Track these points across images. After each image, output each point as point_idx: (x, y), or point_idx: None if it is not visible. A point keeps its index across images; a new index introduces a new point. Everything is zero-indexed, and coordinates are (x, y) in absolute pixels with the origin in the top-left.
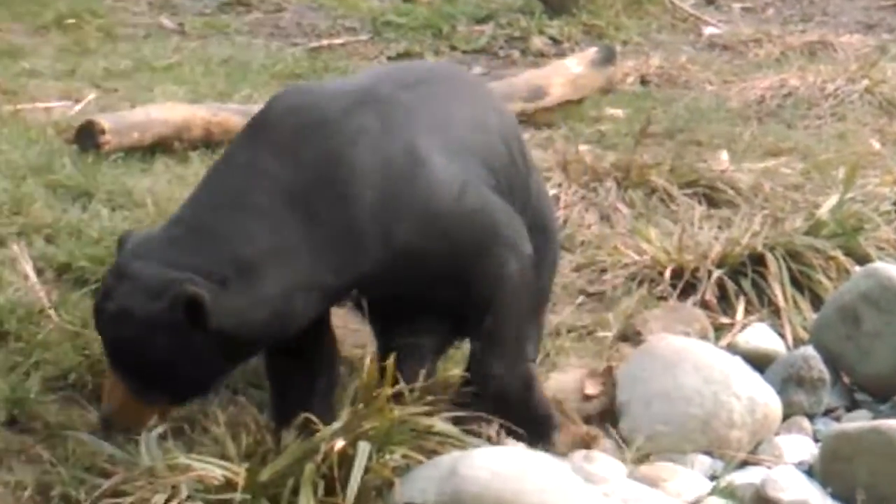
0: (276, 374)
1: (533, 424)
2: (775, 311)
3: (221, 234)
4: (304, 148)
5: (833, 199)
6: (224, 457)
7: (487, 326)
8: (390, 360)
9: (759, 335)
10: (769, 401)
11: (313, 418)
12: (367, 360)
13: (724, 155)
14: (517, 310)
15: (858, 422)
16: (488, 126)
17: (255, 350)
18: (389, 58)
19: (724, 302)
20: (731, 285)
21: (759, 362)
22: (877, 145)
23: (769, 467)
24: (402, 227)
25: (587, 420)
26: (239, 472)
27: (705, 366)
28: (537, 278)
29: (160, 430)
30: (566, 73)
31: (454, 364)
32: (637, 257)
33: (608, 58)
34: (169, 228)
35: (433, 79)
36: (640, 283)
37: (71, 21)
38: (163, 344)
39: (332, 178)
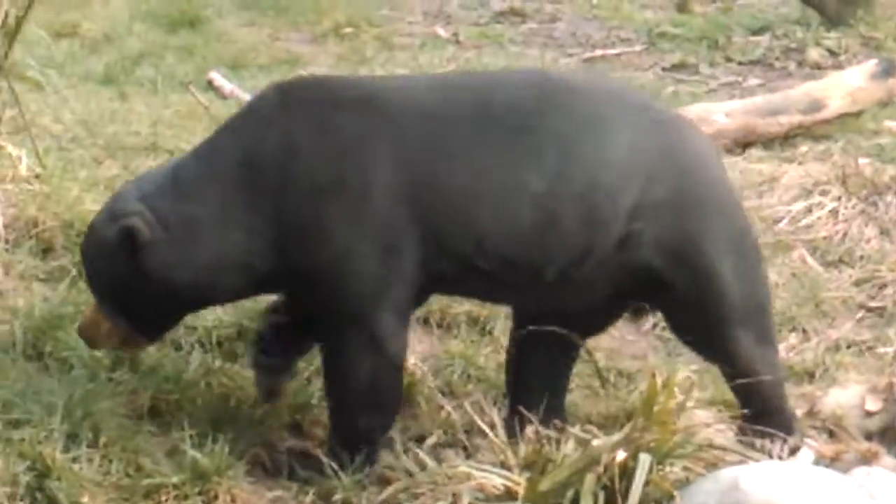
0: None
1: None
2: None
3: (187, 188)
4: (267, 135)
5: None
6: (504, 465)
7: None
8: (672, 373)
9: None
10: None
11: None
12: (649, 373)
13: None
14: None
15: None
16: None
17: (188, 305)
18: (664, 69)
19: None
20: None
21: None
22: None
23: None
24: (297, 246)
25: (868, 437)
26: (519, 482)
27: None
28: None
29: (435, 438)
30: (845, 86)
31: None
32: None
33: (888, 70)
34: (166, 169)
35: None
36: None
37: (348, 30)
38: (110, 265)
39: (274, 172)
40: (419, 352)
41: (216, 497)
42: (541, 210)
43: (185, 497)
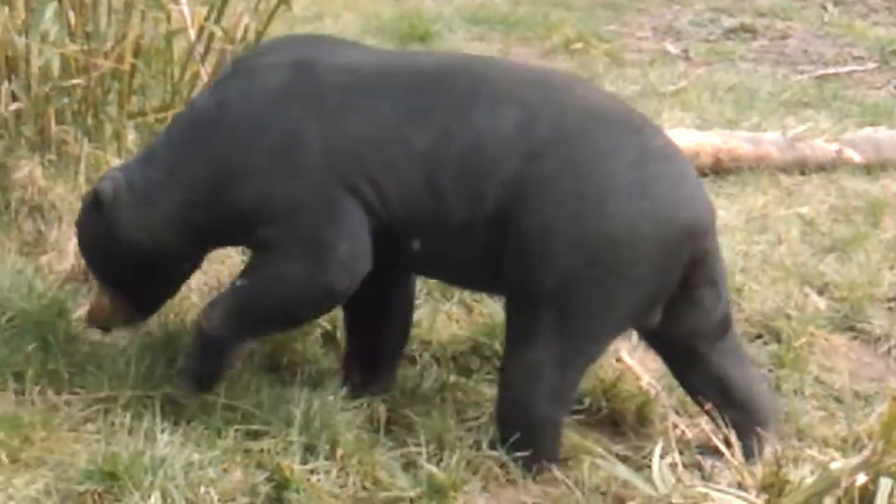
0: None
1: None
2: None
3: (152, 154)
4: (209, 96)
5: None
6: (741, 486)
7: None
8: None
9: None
10: None
11: None
12: (889, 395)
13: None
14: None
15: None
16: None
17: (158, 269)
18: None
19: None
20: None
21: None
22: None
23: None
24: (234, 191)
25: None
26: None
27: None
28: None
29: (673, 458)
30: None
31: None
32: None
33: None
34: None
35: (464, 78)
36: None
37: (577, 45)
38: (89, 230)
39: (206, 127)
40: (653, 370)
41: None
42: (423, 165)
43: None
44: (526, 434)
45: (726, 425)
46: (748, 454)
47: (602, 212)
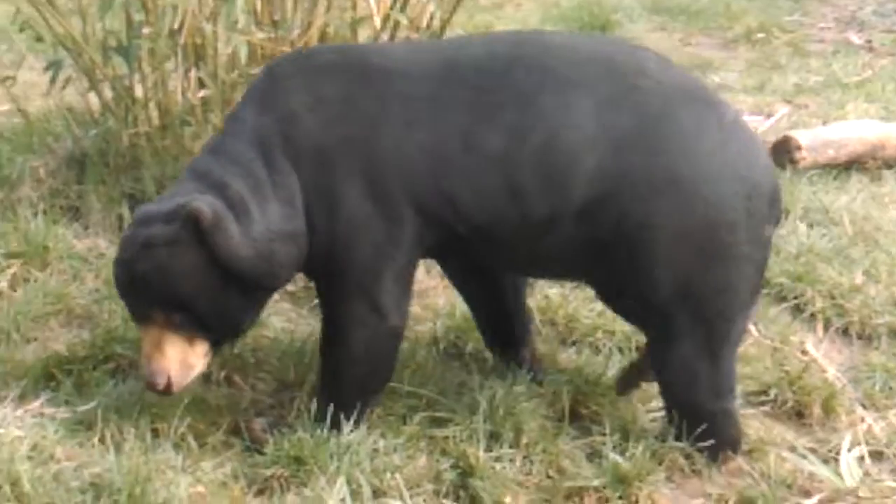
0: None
1: None
2: None
3: (218, 177)
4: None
5: None
6: None
7: None
8: None
9: None
10: None
11: None
12: None
13: None
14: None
15: None
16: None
17: (258, 289)
18: None
19: None
20: None
21: None
22: None
23: None
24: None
25: None
26: None
27: None
28: None
29: (860, 450)
30: None
31: None
32: None
33: None
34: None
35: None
36: None
37: (759, 35)
38: (179, 262)
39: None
40: (839, 362)
41: (637, 502)
42: (499, 170)
43: (606, 500)
44: (702, 429)
45: None
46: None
47: (700, 197)
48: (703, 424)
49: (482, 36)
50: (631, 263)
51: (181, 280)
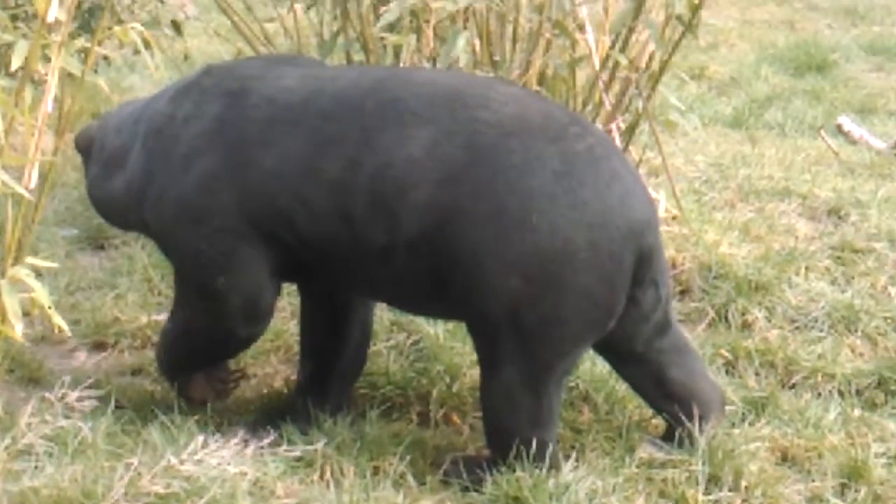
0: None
1: None
2: None
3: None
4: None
5: None
6: None
7: None
8: None
9: None
10: None
11: None
12: None
13: None
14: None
15: None
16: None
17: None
18: None
19: None
20: None
21: None
22: None
23: None
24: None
25: None
26: None
27: None
28: None
29: None
30: None
31: None
32: None
33: None
34: None
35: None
36: None
37: None
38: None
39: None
40: None
41: None
42: (334, 196)
43: None
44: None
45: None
46: (686, 442)
47: (528, 227)
48: (516, 451)
49: (362, 68)
50: (463, 291)
51: None
